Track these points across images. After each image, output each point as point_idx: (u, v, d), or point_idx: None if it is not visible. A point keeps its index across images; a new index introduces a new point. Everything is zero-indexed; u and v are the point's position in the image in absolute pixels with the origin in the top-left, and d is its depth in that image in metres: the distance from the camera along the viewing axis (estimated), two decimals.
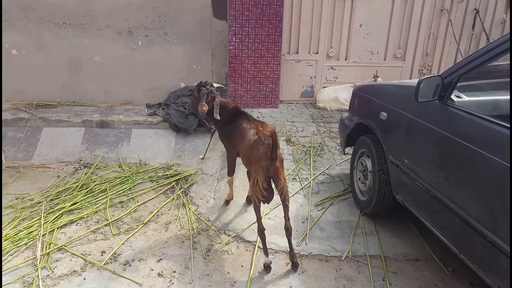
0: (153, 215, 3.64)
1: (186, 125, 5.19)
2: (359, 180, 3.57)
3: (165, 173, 4.46)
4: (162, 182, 4.26)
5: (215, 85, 3.37)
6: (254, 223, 3.39)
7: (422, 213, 2.70)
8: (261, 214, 2.98)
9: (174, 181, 4.28)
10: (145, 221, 3.54)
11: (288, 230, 2.82)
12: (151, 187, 4.18)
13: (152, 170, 4.56)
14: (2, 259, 3.02)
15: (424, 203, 2.66)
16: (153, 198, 3.98)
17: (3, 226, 3.44)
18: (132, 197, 3.97)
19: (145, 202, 3.88)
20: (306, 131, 5.05)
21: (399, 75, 6.36)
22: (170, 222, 3.56)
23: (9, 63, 5.52)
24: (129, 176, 4.33)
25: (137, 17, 5.54)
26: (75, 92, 5.75)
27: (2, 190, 4.04)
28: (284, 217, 2.85)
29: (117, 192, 4.03)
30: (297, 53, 6.07)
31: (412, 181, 2.75)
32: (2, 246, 3.17)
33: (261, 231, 2.83)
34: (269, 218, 3.44)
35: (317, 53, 6.10)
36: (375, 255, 3.03)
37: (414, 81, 3.48)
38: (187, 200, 3.90)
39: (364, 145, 3.49)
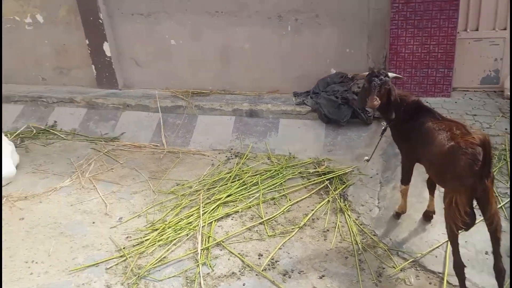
0: (308, 219, 3.32)
1: (338, 116, 4.69)
2: None
3: (316, 170, 4.09)
4: (314, 180, 3.91)
5: (390, 75, 2.80)
6: (437, 247, 2.74)
7: None
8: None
9: (327, 179, 3.89)
10: (300, 225, 3.24)
11: (500, 273, 2.13)
12: (302, 184, 3.87)
13: (302, 165, 4.26)
14: (167, 248, 3.10)
15: None
16: (306, 197, 3.66)
17: (166, 212, 3.59)
18: (283, 194, 3.73)
19: (297, 202, 3.60)
20: (496, 129, 3.99)
21: None
22: (328, 230, 3.17)
23: (169, 53, 5.87)
24: (279, 170, 4.11)
25: (288, 0, 5.23)
26: (225, 80, 5.82)
27: (165, 175, 4.26)
28: (494, 253, 2.16)
29: (269, 186, 3.85)
30: (477, 29, 4.89)
31: None
32: (166, 234, 3.28)
33: (459, 268, 2.20)
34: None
35: (504, 28, 4.81)
36: None
37: None
38: (345, 206, 3.45)
39: None
